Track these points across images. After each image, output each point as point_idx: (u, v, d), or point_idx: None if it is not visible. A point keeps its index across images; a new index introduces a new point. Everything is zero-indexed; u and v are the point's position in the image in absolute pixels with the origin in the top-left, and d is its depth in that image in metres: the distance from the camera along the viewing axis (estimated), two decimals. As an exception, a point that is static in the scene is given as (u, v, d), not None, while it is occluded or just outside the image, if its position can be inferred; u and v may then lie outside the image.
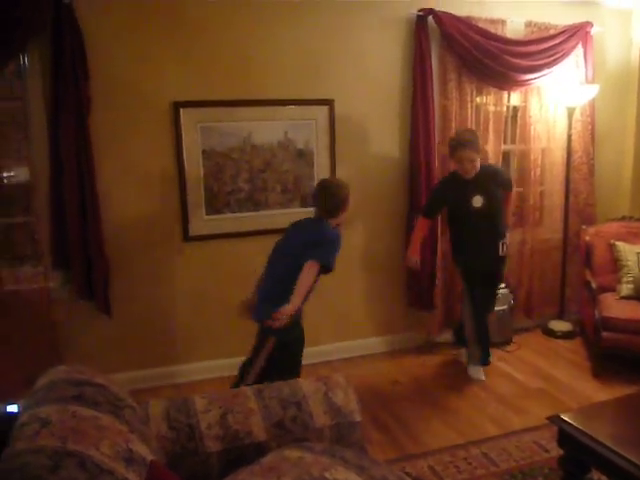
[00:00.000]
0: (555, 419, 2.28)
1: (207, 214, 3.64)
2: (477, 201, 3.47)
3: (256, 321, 2.84)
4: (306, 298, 2.73)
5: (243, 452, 1.75)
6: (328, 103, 3.75)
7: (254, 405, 1.88)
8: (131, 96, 3.36)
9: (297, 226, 2.97)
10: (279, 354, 2.76)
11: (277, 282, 2.78)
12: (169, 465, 1.60)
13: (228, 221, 3.68)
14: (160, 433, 1.71)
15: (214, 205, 3.64)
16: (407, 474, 2.59)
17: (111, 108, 3.33)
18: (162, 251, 3.57)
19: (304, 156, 3.80)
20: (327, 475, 1.47)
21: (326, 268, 2.71)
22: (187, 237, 3.60)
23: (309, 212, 3.82)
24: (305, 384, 2.02)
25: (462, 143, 3.40)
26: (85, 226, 3.27)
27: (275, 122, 3.69)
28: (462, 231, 3.63)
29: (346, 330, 4.09)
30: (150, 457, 1.36)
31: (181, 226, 3.59)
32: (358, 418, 1.97)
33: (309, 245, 2.71)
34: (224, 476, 1.54)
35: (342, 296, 4.01)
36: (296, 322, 2.80)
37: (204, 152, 3.56)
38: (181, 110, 3.45)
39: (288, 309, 2.60)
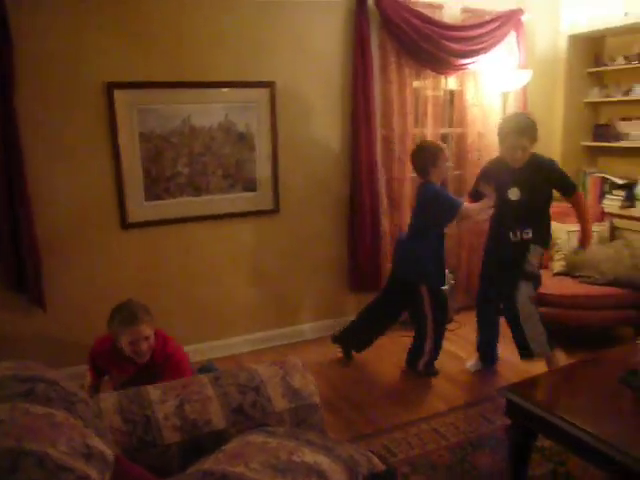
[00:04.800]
0: (502, 390, 2.36)
1: (146, 200, 3.49)
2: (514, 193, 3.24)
3: None
4: None
5: (203, 441, 1.70)
6: (269, 85, 3.67)
7: (211, 392, 1.82)
8: (60, 73, 3.14)
9: None
10: None
11: None
12: (127, 458, 1.52)
13: (169, 207, 3.55)
14: (114, 426, 1.62)
15: (154, 190, 3.50)
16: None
17: (39, 85, 3.10)
18: (99, 240, 3.40)
19: (245, 139, 3.71)
20: (295, 458, 1.44)
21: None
22: (126, 224, 3.45)
23: (252, 197, 3.78)
24: (262, 368, 1.98)
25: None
26: (13, 213, 3.05)
27: (215, 104, 3.57)
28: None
29: (289, 315, 4.07)
30: (109, 451, 1.28)
31: (119, 213, 3.42)
32: (317, 400, 1.95)
33: None
34: (185, 467, 1.48)
35: (284, 282, 3.99)
36: None
37: (141, 135, 3.40)
38: (115, 91, 3.28)
39: None
